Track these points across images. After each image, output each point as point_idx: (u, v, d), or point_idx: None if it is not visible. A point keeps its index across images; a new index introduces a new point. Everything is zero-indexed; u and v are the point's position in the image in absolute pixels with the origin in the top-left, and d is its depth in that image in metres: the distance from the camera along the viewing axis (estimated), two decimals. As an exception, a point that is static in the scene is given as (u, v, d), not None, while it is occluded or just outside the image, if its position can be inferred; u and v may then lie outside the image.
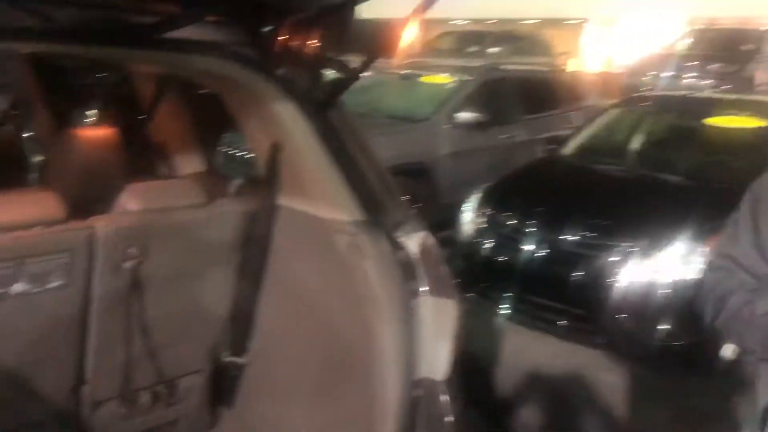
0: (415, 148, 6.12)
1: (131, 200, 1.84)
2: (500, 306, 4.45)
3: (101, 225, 1.75)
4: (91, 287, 1.77)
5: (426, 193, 6.11)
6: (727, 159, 4.53)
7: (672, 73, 11.75)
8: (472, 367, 3.72)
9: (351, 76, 1.80)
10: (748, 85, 11.45)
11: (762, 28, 14.99)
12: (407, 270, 1.82)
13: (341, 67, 1.78)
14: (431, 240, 1.89)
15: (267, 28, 1.76)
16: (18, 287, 1.61)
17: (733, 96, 5.83)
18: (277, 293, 2.06)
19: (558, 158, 5.20)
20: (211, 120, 2.22)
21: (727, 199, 1.64)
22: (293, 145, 1.84)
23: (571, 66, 19.97)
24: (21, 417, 1.77)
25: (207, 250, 2.00)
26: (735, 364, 3.95)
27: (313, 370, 2.01)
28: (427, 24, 22.29)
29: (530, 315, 4.31)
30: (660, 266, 3.84)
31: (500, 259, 4.45)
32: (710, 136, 4.85)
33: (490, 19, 23.94)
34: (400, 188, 5.99)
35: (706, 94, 6.62)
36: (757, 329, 1.41)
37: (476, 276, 4.61)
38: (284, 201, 1.97)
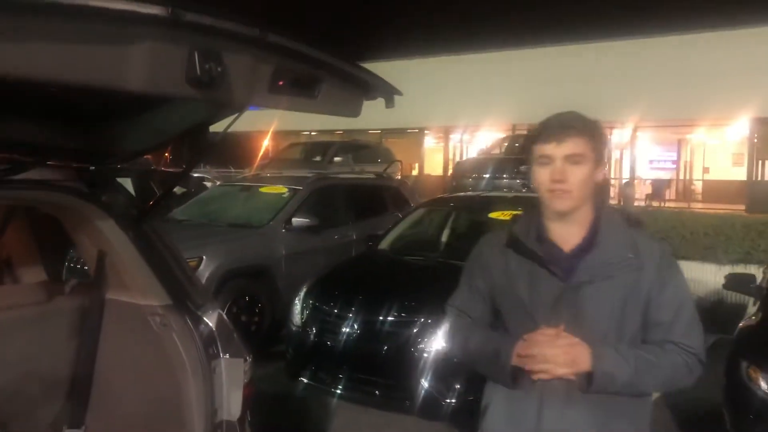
0: (255, 252, 6.77)
1: (-17, 301, 2.36)
2: (329, 386, 5.08)
3: (-41, 320, 2.25)
4: (-50, 370, 2.24)
5: (267, 292, 6.73)
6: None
7: (489, 174, 13.41)
8: None
9: (161, 197, 2.49)
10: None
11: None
12: (207, 339, 2.45)
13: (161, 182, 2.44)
14: (224, 317, 2.54)
15: (92, 168, 2.42)
16: None
17: (511, 194, 7.09)
18: (107, 369, 2.60)
19: (374, 252, 6.06)
20: (51, 238, 2.78)
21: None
22: (114, 252, 2.46)
23: (409, 171, 21.50)
24: None
25: (48, 338, 2.52)
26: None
27: (139, 427, 2.54)
28: (279, 135, 23.20)
29: (355, 391, 4.95)
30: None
31: (325, 343, 5.11)
32: (490, 228, 5.92)
33: (337, 130, 25.54)
34: (242, 289, 6.51)
35: (492, 193, 7.90)
36: (473, 359, 1.95)
37: (306, 361, 5.23)
38: (110, 295, 2.56)
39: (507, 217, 5.85)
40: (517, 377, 1.81)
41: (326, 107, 1.73)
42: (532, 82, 21.48)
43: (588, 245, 1.82)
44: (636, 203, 18.95)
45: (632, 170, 23.42)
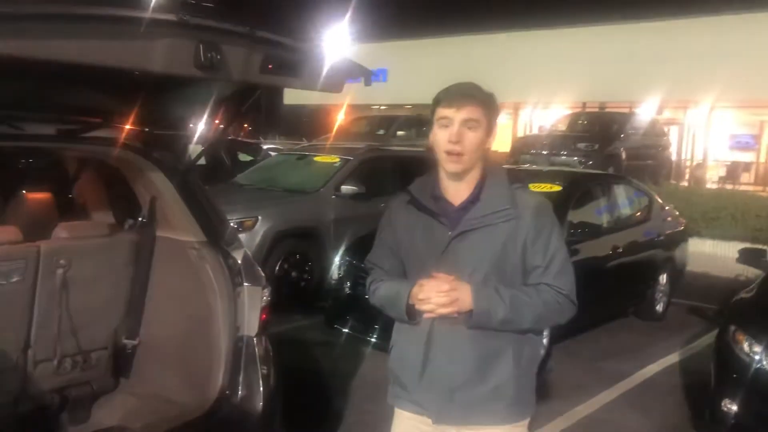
0: (306, 215, 7.40)
1: (62, 232, 3.00)
2: (361, 333, 5.66)
3: (44, 245, 2.90)
4: (37, 283, 2.89)
5: (316, 252, 7.36)
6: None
7: (547, 151, 13.57)
8: (331, 385, 4.84)
9: (198, 156, 3.09)
10: (609, 160, 13.36)
11: (626, 111, 17.31)
12: (233, 270, 3.02)
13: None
14: (248, 253, 3.12)
15: (146, 129, 3.03)
16: (-7, 280, 2.75)
17: (547, 168, 7.42)
18: (155, 291, 3.24)
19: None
20: (114, 185, 3.42)
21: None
22: (163, 198, 3.07)
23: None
24: (-14, 366, 2.84)
25: (110, 264, 3.16)
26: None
27: (179, 339, 3.16)
28: (351, 109, 23.78)
29: (384, 339, 5.48)
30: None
31: (359, 296, 5.68)
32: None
33: (406, 104, 25.93)
34: (293, 248, 7.19)
35: (534, 167, 8.22)
36: (381, 303, 2.17)
37: (342, 312, 5.84)
38: (159, 232, 3.18)
39: (542, 189, 6.22)
40: (413, 316, 2.04)
41: (311, 85, 2.24)
42: (605, 60, 21.19)
43: (474, 200, 2.04)
44: (709, 185, 18.52)
45: (705, 152, 22.83)
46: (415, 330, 2.07)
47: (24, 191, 3.21)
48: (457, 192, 2.07)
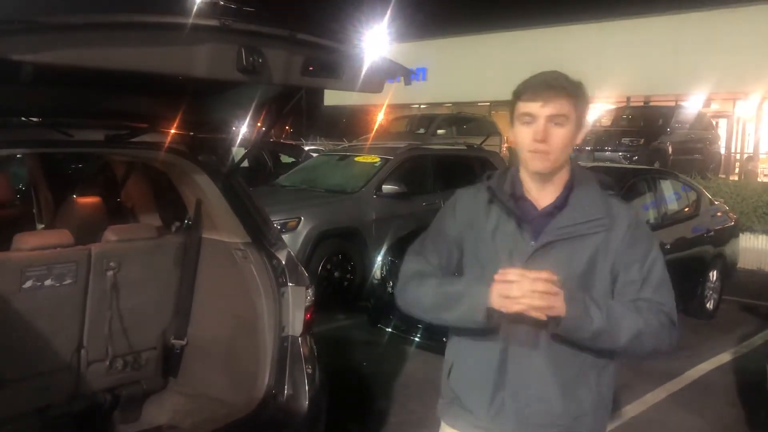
0: (348, 215, 7.42)
1: (111, 235, 3.08)
2: (404, 333, 5.66)
3: (94, 248, 2.98)
4: (88, 285, 2.97)
5: (358, 252, 7.38)
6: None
7: (590, 146, 13.34)
8: (375, 385, 4.87)
9: (242, 159, 3.14)
10: (655, 155, 13.08)
11: (672, 105, 16.90)
12: (277, 270, 3.05)
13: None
14: (291, 254, 3.14)
15: (191, 133, 3.09)
16: (48, 282, 2.81)
17: (591, 164, 7.30)
18: (202, 292, 3.29)
19: (453, 217, 6.54)
20: (161, 188, 3.49)
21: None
22: (208, 201, 3.12)
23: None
24: (42, 365, 2.92)
25: (158, 266, 3.22)
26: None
27: (225, 339, 3.20)
28: (392, 109, 23.80)
29: (427, 338, 5.49)
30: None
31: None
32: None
33: (446, 103, 25.83)
34: (336, 248, 7.30)
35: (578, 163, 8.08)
36: (432, 302, 1.84)
37: (385, 311, 5.84)
38: (205, 234, 3.24)
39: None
40: (492, 319, 1.74)
41: (351, 85, 2.25)
42: (649, 52, 20.74)
43: (561, 204, 1.81)
44: (760, 179, 17.92)
45: (756, 144, 22.13)
46: (484, 349, 1.82)
47: (74, 196, 3.31)
48: (541, 194, 1.83)
